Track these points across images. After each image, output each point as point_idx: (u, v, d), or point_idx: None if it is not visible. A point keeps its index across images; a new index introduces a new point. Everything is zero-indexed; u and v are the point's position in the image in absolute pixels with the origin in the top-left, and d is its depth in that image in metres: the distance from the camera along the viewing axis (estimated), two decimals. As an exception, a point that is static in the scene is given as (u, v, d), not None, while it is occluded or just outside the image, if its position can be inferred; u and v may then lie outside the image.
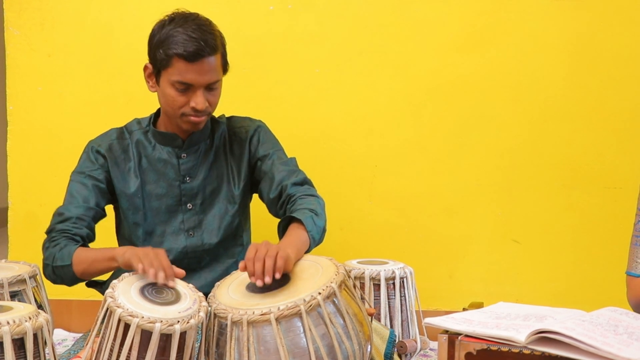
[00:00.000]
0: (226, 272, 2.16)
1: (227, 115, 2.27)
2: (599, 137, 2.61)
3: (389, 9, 2.68)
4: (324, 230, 1.98)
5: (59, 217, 2.06)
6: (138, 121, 2.21)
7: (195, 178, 2.15)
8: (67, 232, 2.03)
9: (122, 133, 2.18)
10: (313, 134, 2.73)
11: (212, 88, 2.06)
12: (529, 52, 2.63)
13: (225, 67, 2.12)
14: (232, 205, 2.17)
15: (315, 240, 1.93)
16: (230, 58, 2.72)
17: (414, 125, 2.69)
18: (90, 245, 2.09)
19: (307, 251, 1.90)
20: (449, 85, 2.67)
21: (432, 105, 2.68)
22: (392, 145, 2.71)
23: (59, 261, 1.97)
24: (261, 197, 2.20)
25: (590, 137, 2.62)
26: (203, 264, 2.17)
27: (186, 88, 2.02)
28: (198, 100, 2.02)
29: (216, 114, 2.26)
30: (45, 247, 2.04)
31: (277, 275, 1.66)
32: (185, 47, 1.98)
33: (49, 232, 2.06)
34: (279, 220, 2.01)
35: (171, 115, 2.09)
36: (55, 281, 2.03)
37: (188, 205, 2.15)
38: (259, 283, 1.66)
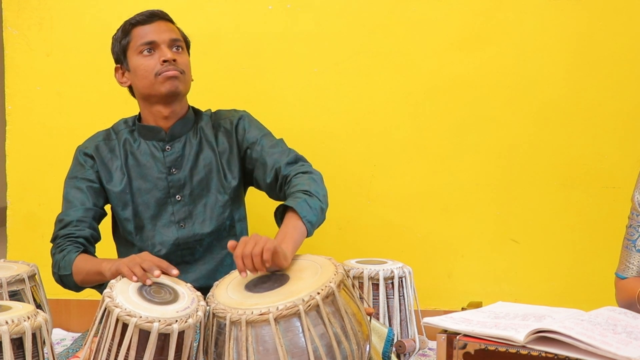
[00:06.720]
0: (220, 264, 2.17)
1: (213, 110, 2.28)
2: (598, 136, 2.61)
3: (387, 8, 2.68)
4: (321, 210, 1.96)
5: (60, 223, 2.08)
6: (125, 121, 2.24)
7: (182, 169, 2.17)
8: (70, 236, 2.04)
9: (109, 134, 2.22)
10: (311, 134, 2.72)
11: (176, 47, 2.13)
12: (527, 51, 2.62)
13: (187, 42, 2.20)
14: (222, 195, 2.18)
15: (313, 223, 1.91)
16: (229, 57, 2.75)
17: (413, 124, 2.69)
18: (97, 244, 2.11)
19: (309, 234, 1.89)
20: (447, 85, 2.67)
21: (431, 105, 2.68)
22: (391, 145, 2.71)
23: (62, 270, 1.99)
24: (257, 185, 2.21)
25: (589, 136, 2.62)
26: (197, 256, 2.18)
27: (151, 48, 2.10)
28: (164, 52, 2.09)
29: (208, 108, 2.26)
30: (52, 254, 2.05)
31: (267, 265, 1.69)
32: (140, 15, 2.14)
33: (53, 239, 2.08)
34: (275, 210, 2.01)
35: (148, 87, 2.11)
36: (64, 287, 2.05)
37: (177, 196, 2.16)
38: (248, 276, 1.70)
